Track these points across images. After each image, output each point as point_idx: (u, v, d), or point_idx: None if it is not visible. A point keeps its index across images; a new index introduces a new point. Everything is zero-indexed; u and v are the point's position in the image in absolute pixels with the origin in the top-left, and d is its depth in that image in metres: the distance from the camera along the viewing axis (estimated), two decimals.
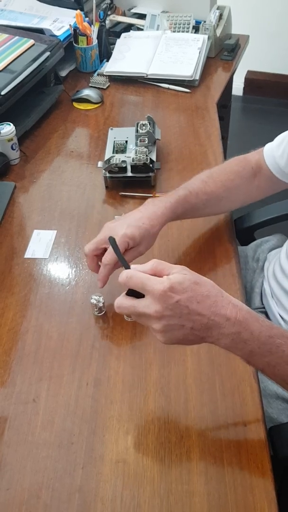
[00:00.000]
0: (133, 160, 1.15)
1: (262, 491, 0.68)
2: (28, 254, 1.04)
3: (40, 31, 1.51)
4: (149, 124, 1.22)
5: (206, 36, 1.62)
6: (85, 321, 0.91)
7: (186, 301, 0.64)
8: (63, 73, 1.60)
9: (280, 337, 0.66)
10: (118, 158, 1.15)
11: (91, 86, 1.56)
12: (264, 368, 0.68)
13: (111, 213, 1.13)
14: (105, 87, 1.57)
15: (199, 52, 1.58)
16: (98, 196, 1.19)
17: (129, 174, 1.17)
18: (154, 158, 1.19)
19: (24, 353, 0.86)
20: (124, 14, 1.89)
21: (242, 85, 3.20)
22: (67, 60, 1.59)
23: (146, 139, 1.21)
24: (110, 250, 0.85)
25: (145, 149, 1.18)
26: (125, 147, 1.23)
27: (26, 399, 0.80)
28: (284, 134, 0.99)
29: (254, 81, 3.17)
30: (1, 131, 1.23)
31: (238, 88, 3.15)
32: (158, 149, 1.26)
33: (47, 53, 1.42)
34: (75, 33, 1.57)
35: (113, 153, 1.22)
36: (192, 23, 1.70)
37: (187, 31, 1.70)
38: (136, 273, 0.66)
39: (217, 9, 1.72)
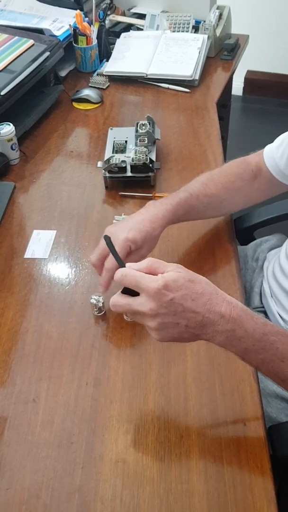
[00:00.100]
0: (132, 160, 1.15)
1: (261, 490, 0.68)
2: (27, 254, 1.04)
3: (40, 31, 1.51)
4: (149, 124, 1.22)
5: (206, 36, 1.62)
6: (84, 321, 0.91)
7: (181, 298, 0.64)
8: (63, 73, 1.60)
9: (274, 334, 0.67)
10: (118, 158, 1.15)
11: (91, 86, 1.56)
12: (259, 365, 0.68)
13: (111, 213, 1.13)
14: (104, 87, 1.57)
15: (199, 52, 1.58)
16: (98, 196, 1.19)
17: (129, 174, 1.17)
18: (153, 158, 1.19)
19: (24, 353, 0.86)
20: (123, 14, 1.89)
21: (242, 85, 3.20)
22: (66, 60, 1.59)
23: (146, 139, 1.21)
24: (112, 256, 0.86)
25: (145, 149, 1.18)
26: (125, 147, 1.23)
27: (26, 398, 0.80)
28: (283, 135, 0.99)
29: (254, 81, 3.17)
30: (1, 131, 1.23)
31: (238, 88, 3.15)
32: (157, 149, 1.26)
33: (47, 53, 1.42)
34: (75, 33, 1.57)
35: (112, 153, 1.22)
36: (192, 23, 1.71)
37: (187, 31, 1.70)
38: (131, 271, 0.66)
39: (217, 9, 1.72)
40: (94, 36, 1.59)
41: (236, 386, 0.80)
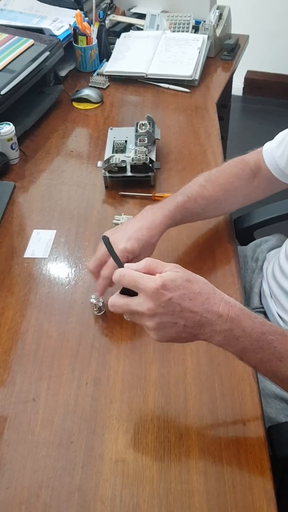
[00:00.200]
0: (132, 160, 1.15)
1: (261, 490, 0.69)
2: (27, 254, 1.04)
3: (40, 30, 1.51)
4: (149, 124, 1.22)
5: (206, 36, 1.63)
6: (84, 320, 0.91)
7: (179, 298, 0.64)
8: (63, 73, 1.60)
9: (272, 334, 0.67)
10: (118, 158, 1.15)
11: (91, 86, 1.56)
12: (257, 365, 0.68)
13: (110, 213, 1.13)
14: (104, 87, 1.57)
15: (199, 52, 1.58)
16: (98, 196, 1.19)
17: (129, 174, 1.17)
18: (153, 158, 1.19)
19: (24, 352, 0.86)
20: (123, 14, 1.89)
21: (242, 85, 3.20)
22: (66, 59, 1.59)
23: (146, 139, 1.21)
24: (109, 264, 0.86)
25: (145, 149, 1.18)
26: (125, 147, 1.23)
27: (26, 398, 0.80)
28: (283, 134, 0.99)
29: (254, 81, 3.17)
30: (1, 131, 1.23)
31: (237, 88, 3.15)
32: (157, 149, 1.26)
33: (47, 53, 1.42)
34: (75, 33, 1.57)
35: (112, 153, 1.22)
36: (192, 23, 1.71)
37: (187, 31, 1.70)
38: (129, 271, 0.67)
39: (217, 9, 1.72)
40: (94, 36, 1.59)
41: (235, 386, 0.80)
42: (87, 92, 1.49)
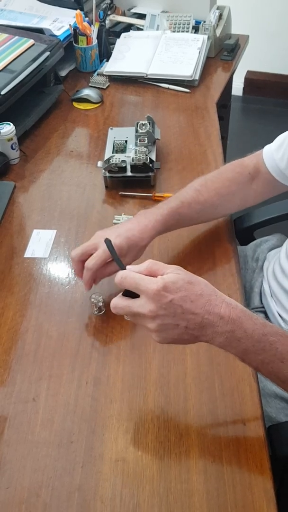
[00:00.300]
0: (132, 160, 1.15)
1: (261, 490, 0.69)
2: (28, 254, 1.04)
3: (40, 31, 1.51)
4: (149, 124, 1.22)
5: (206, 36, 1.63)
6: (84, 320, 0.91)
7: (180, 300, 0.64)
8: (63, 73, 1.60)
9: (273, 335, 0.67)
10: (118, 158, 1.16)
11: (91, 86, 1.56)
12: (259, 366, 0.69)
13: (111, 213, 1.13)
14: (105, 87, 1.57)
15: (199, 52, 1.58)
16: (98, 196, 1.19)
17: (129, 173, 1.17)
18: (153, 158, 1.19)
19: (24, 352, 0.86)
20: (124, 14, 1.89)
21: (242, 85, 3.21)
22: (67, 60, 1.59)
23: (146, 139, 1.21)
24: (95, 255, 0.86)
25: (145, 149, 1.18)
26: (125, 147, 1.23)
27: (26, 398, 0.80)
28: (283, 136, 0.99)
29: (254, 81, 3.18)
30: (1, 131, 1.23)
31: (237, 88, 3.16)
32: (157, 149, 1.26)
33: (47, 53, 1.42)
34: (75, 33, 1.57)
35: (113, 153, 1.22)
36: (192, 23, 1.71)
37: (187, 31, 1.70)
38: (130, 273, 0.67)
39: (217, 9, 1.72)
40: (94, 36, 1.59)
41: (235, 385, 0.80)
42: (87, 92, 1.49)
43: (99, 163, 1.24)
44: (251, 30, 1.95)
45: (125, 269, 0.69)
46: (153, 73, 1.57)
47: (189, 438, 0.74)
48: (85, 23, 1.56)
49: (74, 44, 1.59)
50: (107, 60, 1.64)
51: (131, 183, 1.19)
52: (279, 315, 1.01)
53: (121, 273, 0.68)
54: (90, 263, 0.87)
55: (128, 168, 1.16)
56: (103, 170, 1.17)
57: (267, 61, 3.05)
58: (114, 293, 0.93)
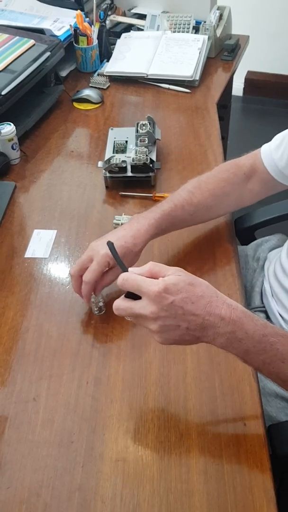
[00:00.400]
0: (133, 160, 1.15)
1: (261, 490, 0.69)
2: (28, 254, 1.05)
3: (41, 31, 1.51)
4: (149, 124, 1.22)
5: (206, 37, 1.63)
6: (85, 320, 0.92)
7: (181, 301, 0.65)
8: (64, 73, 1.60)
9: (274, 336, 0.67)
10: (118, 158, 1.16)
11: (91, 86, 1.56)
12: (260, 366, 0.69)
13: (111, 213, 1.13)
14: (105, 87, 1.57)
15: (199, 53, 1.58)
16: (98, 196, 1.19)
17: (129, 174, 1.17)
18: (154, 158, 1.19)
19: (24, 352, 0.87)
20: (124, 15, 1.90)
21: (242, 86, 3.21)
22: (67, 60, 1.59)
23: (146, 139, 1.21)
24: (90, 269, 0.87)
25: (145, 149, 1.18)
26: (125, 147, 1.23)
27: (26, 398, 0.80)
28: (281, 136, 0.98)
29: (254, 82, 3.18)
30: (2, 131, 1.23)
31: (238, 88, 3.16)
32: (158, 149, 1.26)
33: (48, 53, 1.42)
34: (76, 33, 1.57)
35: (113, 153, 1.22)
36: (192, 23, 1.71)
37: (187, 32, 1.70)
38: (132, 275, 0.68)
39: (217, 9, 1.72)
40: (94, 36, 1.60)
41: (236, 385, 0.80)
42: (87, 92, 1.49)
43: (100, 163, 1.24)
44: (252, 30, 1.95)
45: (127, 271, 0.69)
46: (154, 73, 1.57)
47: (190, 437, 0.74)
48: (86, 24, 1.56)
49: (75, 45, 1.59)
50: (108, 61, 1.64)
51: (131, 183, 1.19)
52: (280, 314, 1.01)
53: (123, 275, 0.68)
54: (87, 277, 0.87)
55: (129, 168, 1.17)
56: (104, 170, 1.17)
57: (267, 62, 3.05)
58: (114, 292, 0.93)
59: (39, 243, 1.07)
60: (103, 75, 1.60)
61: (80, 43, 1.58)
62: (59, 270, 1.01)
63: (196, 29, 1.71)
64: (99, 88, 1.55)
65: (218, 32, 1.68)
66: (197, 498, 0.68)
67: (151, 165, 1.16)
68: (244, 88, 3.22)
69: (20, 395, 0.80)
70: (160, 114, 1.45)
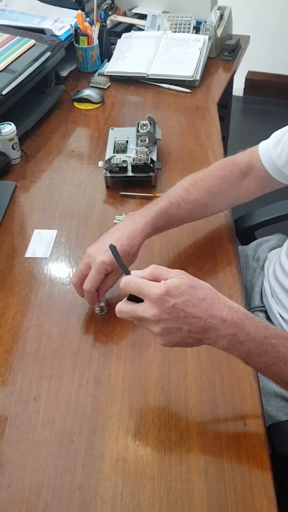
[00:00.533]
0: (133, 160, 1.15)
1: (261, 489, 0.69)
2: (28, 254, 1.05)
3: (41, 31, 1.51)
4: (150, 124, 1.23)
5: (207, 37, 1.63)
6: (85, 320, 0.92)
7: (182, 304, 0.65)
8: (64, 73, 1.60)
9: (275, 338, 0.67)
10: (119, 158, 1.16)
11: (92, 86, 1.56)
12: (262, 368, 0.69)
13: (111, 213, 1.13)
14: (105, 87, 1.57)
15: (200, 53, 1.58)
16: (99, 196, 1.19)
17: (130, 174, 1.17)
18: (154, 158, 1.19)
19: (24, 352, 0.87)
20: (125, 14, 1.90)
21: (243, 86, 3.21)
22: (68, 60, 1.59)
23: (147, 139, 1.21)
24: (89, 278, 0.87)
25: (146, 149, 1.18)
26: (126, 147, 1.23)
27: (26, 397, 0.80)
28: (280, 133, 0.97)
29: (255, 82, 3.18)
30: (2, 131, 1.23)
31: (238, 88, 3.16)
32: (158, 149, 1.26)
33: (48, 53, 1.42)
34: (76, 33, 1.57)
35: (113, 153, 1.22)
36: (193, 23, 1.71)
37: (188, 32, 1.70)
38: (134, 278, 0.68)
39: (218, 9, 1.72)
40: (95, 36, 1.60)
41: (236, 385, 0.80)
42: (88, 92, 1.49)
43: (100, 163, 1.24)
44: (252, 30, 1.95)
45: (129, 274, 0.70)
46: (154, 73, 1.57)
47: (190, 437, 0.74)
48: (86, 23, 1.56)
49: (75, 44, 1.60)
50: (108, 60, 1.64)
51: (132, 183, 1.19)
52: (280, 315, 1.01)
53: (125, 279, 0.69)
54: (87, 286, 0.87)
55: (129, 168, 1.17)
56: (104, 170, 1.17)
57: (267, 62, 3.05)
58: (116, 292, 0.93)
59: (40, 243, 1.07)
60: (104, 75, 1.60)
61: (80, 43, 1.59)
62: (60, 270, 1.01)
63: (197, 29, 1.71)
64: (99, 88, 1.55)
65: (219, 32, 1.68)
66: (197, 497, 0.68)
67: (151, 165, 1.16)
68: (244, 88, 3.22)
69: (21, 395, 0.81)
70: (161, 114, 1.45)
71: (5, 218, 1.13)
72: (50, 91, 1.48)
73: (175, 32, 1.71)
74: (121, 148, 1.23)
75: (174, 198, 0.96)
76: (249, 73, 3.16)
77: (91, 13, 1.64)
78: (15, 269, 1.01)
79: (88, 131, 1.41)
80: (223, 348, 0.68)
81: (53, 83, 1.51)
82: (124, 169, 1.16)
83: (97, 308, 0.92)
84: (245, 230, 1.23)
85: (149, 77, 1.57)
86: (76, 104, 1.50)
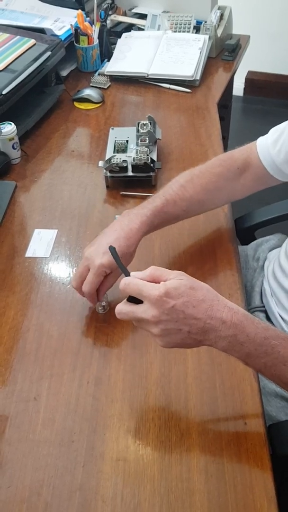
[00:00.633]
0: (134, 160, 1.15)
1: (262, 489, 0.69)
2: (29, 253, 1.05)
3: (41, 30, 1.51)
4: (150, 124, 1.23)
5: (207, 36, 1.63)
6: (85, 320, 0.92)
7: (182, 305, 0.65)
8: (64, 73, 1.60)
9: (275, 338, 0.67)
10: (119, 157, 1.16)
11: (92, 86, 1.56)
12: (262, 369, 0.69)
13: (112, 213, 1.13)
14: (106, 87, 1.57)
15: (200, 52, 1.58)
16: (99, 196, 1.19)
17: (130, 173, 1.17)
18: (155, 158, 1.19)
19: (25, 351, 0.87)
20: (125, 14, 1.90)
21: (243, 86, 3.21)
22: (68, 59, 1.59)
23: (147, 138, 1.21)
24: (87, 281, 0.86)
25: (146, 148, 1.18)
26: (126, 147, 1.23)
27: (27, 397, 0.80)
28: (279, 129, 0.96)
29: (255, 82, 3.18)
30: (2, 131, 1.23)
31: (238, 88, 3.15)
32: (159, 148, 1.26)
33: (48, 53, 1.42)
34: (76, 33, 1.57)
35: (114, 152, 1.22)
36: (193, 23, 1.71)
37: (188, 31, 1.70)
38: (134, 279, 0.68)
39: (218, 9, 1.72)
40: (95, 36, 1.60)
41: (236, 385, 0.80)
42: (88, 92, 1.49)
43: (100, 163, 1.24)
44: (252, 30, 1.95)
45: (129, 275, 0.70)
46: (154, 73, 1.57)
47: (190, 437, 0.74)
48: (86, 23, 1.56)
49: (75, 44, 1.60)
50: (108, 60, 1.64)
51: (132, 183, 1.19)
52: (280, 315, 1.01)
53: (124, 280, 0.69)
54: (86, 289, 0.87)
55: (129, 168, 1.17)
56: (104, 170, 1.17)
57: (268, 62, 3.05)
58: (116, 292, 0.93)
59: (40, 242, 1.07)
60: (104, 75, 1.60)
61: (80, 43, 1.58)
62: (60, 270, 1.01)
63: (197, 29, 1.71)
64: (99, 88, 1.55)
65: (219, 32, 1.68)
66: (198, 497, 0.68)
67: (151, 164, 1.16)
68: (244, 88, 3.22)
69: (21, 395, 0.81)
70: (161, 114, 1.45)
71: (6, 218, 1.13)
72: (50, 91, 1.48)
73: (175, 32, 1.71)
74: (121, 148, 1.23)
75: (170, 195, 0.96)
76: (249, 73, 3.16)
77: (91, 12, 1.64)
78: (15, 269, 1.01)
79: (88, 131, 1.41)
80: (223, 349, 0.68)
81: (53, 83, 1.51)
82: (124, 169, 1.16)
83: (100, 308, 0.92)
84: (245, 230, 1.23)
85: (149, 76, 1.57)
86: (76, 104, 1.50)
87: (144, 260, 1.00)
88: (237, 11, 1.81)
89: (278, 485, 0.70)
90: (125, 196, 1.18)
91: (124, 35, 1.72)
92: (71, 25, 1.57)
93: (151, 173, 1.17)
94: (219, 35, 1.68)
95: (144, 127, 1.22)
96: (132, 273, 0.70)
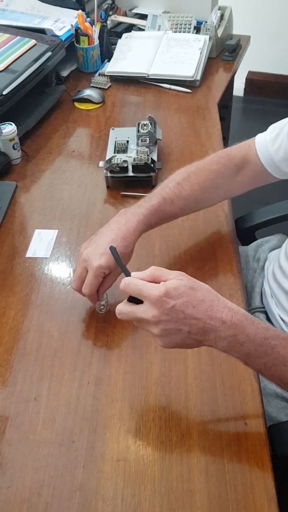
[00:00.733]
0: (134, 160, 1.15)
1: (262, 489, 0.69)
2: (29, 254, 1.05)
3: (42, 31, 1.51)
4: (150, 124, 1.23)
5: (207, 37, 1.63)
6: (86, 320, 0.92)
7: (182, 306, 0.65)
8: (65, 73, 1.60)
9: (275, 339, 0.67)
10: (119, 158, 1.16)
11: (93, 86, 1.56)
12: (261, 369, 0.69)
13: (112, 213, 1.13)
14: (106, 87, 1.57)
15: (200, 53, 1.58)
16: (99, 196, 1.19)
17: (130, 174, 1.17)
18: (155, 158, 1.19)
19: (25, 352, 0.87)
20: (125, 15, 1.90)
21: (243, 86, 3.21)
22: (68, 60, 1.59)
23: (147, 139, 1.21)
24: (87, 283, 0.86)
25: (146, 149, 1.18)
26: (126, 147, 1.23)
27: (27, 397, 0.80)
28: (278, 127, 0.96)
29: (255, 82, 3.18)
30: (3, 131, 1.23)
31: (239, 88, 3.16)
32: (159, 149, 1.26)
33: (49, 53, 1.42)
34: (77, 33, 1.57)
35: (114, 153, 1.22)
36: (194, 23, 1.71)
37: (189, 32, 1.70)
38: (134, 280, 0.68)
39: (218, 9, 1.72)
40: (95, 36, 1.60)
41: (237, 385, 0.80)
42: (88, 92, 1.50)
43: (101, 163, 1.24)
44: (253, 30, 1.95)
45: (129, 275, 0.70)
46: (155, 73, 1.57)
47: (191, 437, 0.74)
48: (87, 24, 1.56)
49: (76, 45, 1.60)
50: (109, 61, 1.64)
51: (132, 183, 1.19)
52: (280, 317, 1.01)
53: (125, 280, 0.69)
54: (86, 291, 0.87)
55: (130, 168, 1.17)
56: (105, 170, 1.17)
57: (268, 62, 3.05)
58: (117, 292, 0.93)
59: (40, 243, 1.07)
60: (104, 75, 1.60)
61: (81, 43, 1.59)
62: (60, 270, 1.01)
63: (197, 29, 1.71)
64: (100, 88, 1.55)
65: (219, 32, 1.68)
66: (198, 497, 0.68)
67: (152, 165, 1.16)
68: (245, 88, 3.22)
69: (21, 395, 0.81)
70: (161, 114, 1.45)
71: (6, 218, 1.13)
72: (51, 91, 1.48)
73: (175, 32, 1.71)
74: (121, 148, 1.23)
75: (167, 194, 0.95)
76: (250, 73, 3.16)
77: (91, 13, 1.64)
78: (15, 269, 1.01)
79: (89, 131, 1.42)
80: (223, 349, 0.68)
81: (53, 83, 1.51)
82: (125, 169, 1.16)
83: (101, 307, 0.92)
84: (245, 230, 1.23)
85: (150, 77, 1.58)
86: (76, 104, 1.51)
87: (144, 260, 1.00)
88: (237, 11, 1.81)
89: (279, 485, 0.70)
90: (125, 196, 1.18)
91: (124, 35, 1.72)
92: (71, 25, 1.58)
93: (152, 173, 1.17)
94: (219, 35, 1.68)
95: (145, 127, 1.22)
96: (132, 273, 0.70)
